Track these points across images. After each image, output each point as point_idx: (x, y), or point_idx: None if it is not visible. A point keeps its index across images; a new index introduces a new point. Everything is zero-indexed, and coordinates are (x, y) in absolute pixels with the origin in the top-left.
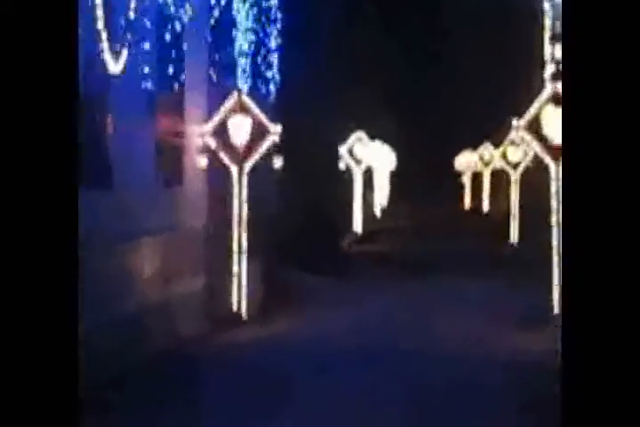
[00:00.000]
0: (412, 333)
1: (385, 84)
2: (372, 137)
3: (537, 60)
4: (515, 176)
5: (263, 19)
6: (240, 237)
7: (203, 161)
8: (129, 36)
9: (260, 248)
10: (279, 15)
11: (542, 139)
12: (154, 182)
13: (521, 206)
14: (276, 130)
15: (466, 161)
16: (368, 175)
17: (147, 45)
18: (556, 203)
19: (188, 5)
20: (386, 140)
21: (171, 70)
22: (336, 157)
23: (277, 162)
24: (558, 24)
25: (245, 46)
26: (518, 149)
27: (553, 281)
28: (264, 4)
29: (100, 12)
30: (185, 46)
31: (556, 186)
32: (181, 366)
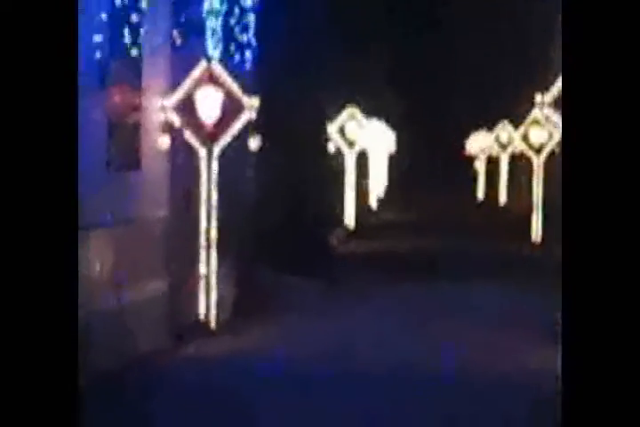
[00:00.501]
0: (410, 348)
1: (383, 50)
2: (368, 114)
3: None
4: (538, 162)
5: None
6: (209, 231)
7: (165, 141)
8: None
9: (233, 245)
10: None
11: None
12: (104, 166)
13: (545, 198)
14: (252, 105)
15: (480, 144)
16: (362, 160)
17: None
18: None
19: None
20: (383, 117)
21: (125, 32)
22: (324, 138)
23: (254, 143)
24: None
25: (216, 4)
26: (543, 130)
27: None
28: None
29: None
30: (143, 3)
31: None
32: (139, 384)
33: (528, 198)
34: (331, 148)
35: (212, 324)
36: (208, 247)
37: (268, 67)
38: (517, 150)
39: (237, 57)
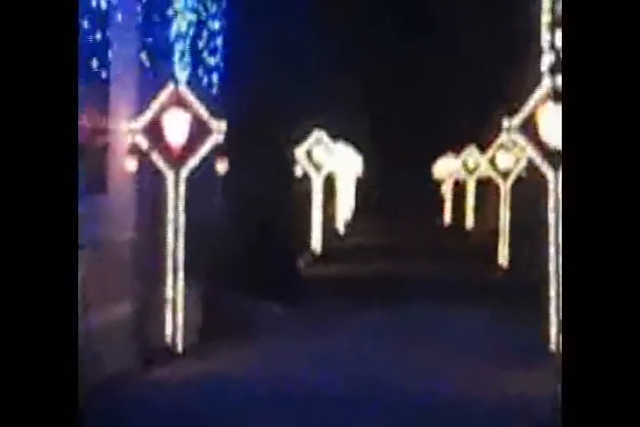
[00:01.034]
0: (379, 373)
1: (352, 74)
2: (335, 138)
3: (532, 49)
4: (504, 186)
5: None
6: (176, 254)
7: (132, 164)
8: None
9: (201, 269)
10: None
11: (538, 142)
12: None
13: (512, 222)
14: (219, 128)
15: (446, 168)
16: (329, 183)
17: None
18: (553, 218)
19: None
20: (351, 141)
21: (93, 55)
22: (291, 162)
23: (221, 166)
24: (558, 7)
25: (183, 27)
26: (509, 155)
27: (550, 311)
28: None
29: None
30: (111, 26)
31: (554, 198)
32: (103, 409)
33: (494, 223)
34: (298, 171)
35: (179, 347)
36: (175, 270)
37: (236, 90)
38: (484, 175)
39: (205, 80)
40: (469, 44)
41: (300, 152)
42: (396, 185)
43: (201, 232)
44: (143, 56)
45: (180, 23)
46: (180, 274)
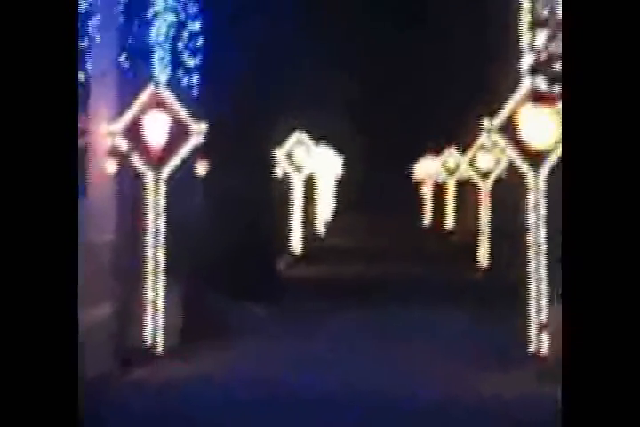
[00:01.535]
0: (360, 373)
1: (332, 76)
2: (316, 139)
3: (512, 49)
4: (485, 187)
5: None
6: (156, 256)
7: (112, 166)
8: None
9: (181, 270)
10: None
11: (518, 143)
12: None
13: (492, 223)
14: (199, 129)
15: (427, 169)
16: (310, 185)
17: None
18: (533, 219)
19: None
20: (332, 143)
21: None
22: (272, 163)
23: (201, 167)
24: (539, 6)
25: (163, 29)
26: (489, 156)
27: (530, 312)
28: None
29: None
30: (91, 27)
31: (533, 199)
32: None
33: (474, 223)
34: (278, 173)
35: (159, 349)
36: (155, 272)
37: (216, 91)
38: (464, 176)
39: (185, 81)
40: (449, 46)
41: (280, 153)
42: (376, 186)
43: (181, 234)
44: (123, 57)
45: (160, 24)
46: (161, 275)
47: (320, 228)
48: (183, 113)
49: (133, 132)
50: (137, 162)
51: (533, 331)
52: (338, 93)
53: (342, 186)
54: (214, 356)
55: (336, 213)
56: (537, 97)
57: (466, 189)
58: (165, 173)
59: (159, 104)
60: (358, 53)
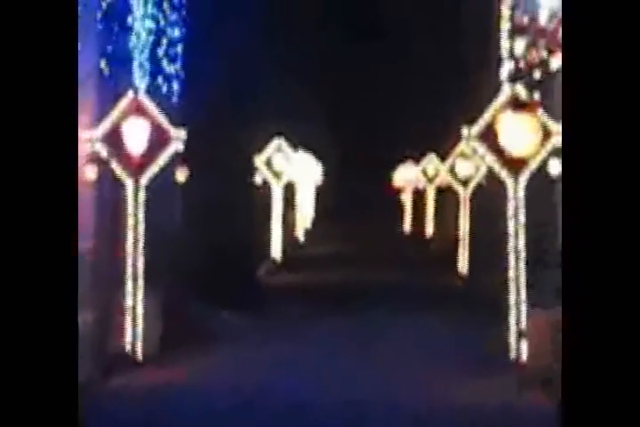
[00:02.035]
0: (340, 381)
1: (312, 82)
2: (295, 146)
3: (492, 56)
4: (464, 194)
5: (164, 3)
6: (136, 263)
7: (91, 172)
8: None
9: (160, 277)
10: None
11: (498, 150)
12: None
13: (471, 230)
14: (179, 136)
15: (406, 176)
16: (289, 191)
17: None
18: (512, 226)
19: None
20: (311, 149)
21: None
22: (251, 170)
23: (181, 174)
24: (518, 13)
25: (143, 35)
26: (469, 163)
27: (509, 320)
28: None
29: None
30: (76, 32)
31: (513, 206)
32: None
33: (454, 231)
34: (258, 179)
35: (139, 356)
36: (135, 278)
37: (196, 98)
38: (444, 183)
39: (165, 88)
40: (428, 52)
41: (259, 160)
42: (355, 193)
43: (161, 240)
44: (102, 64)
45: (140, 31)
46: (140, 282)
47: (300, 235)
48: (163, 119)
49: (113, 139)
50: (117, 168)
51: (513, 338)
52: (317, 100)
53: (322, 193)
54: (194, 363)
55: (316, 220)
56: (516, 104)
57: (445, 197)
58: (145, 179)
59: (139, 111)
60: (338, 61)
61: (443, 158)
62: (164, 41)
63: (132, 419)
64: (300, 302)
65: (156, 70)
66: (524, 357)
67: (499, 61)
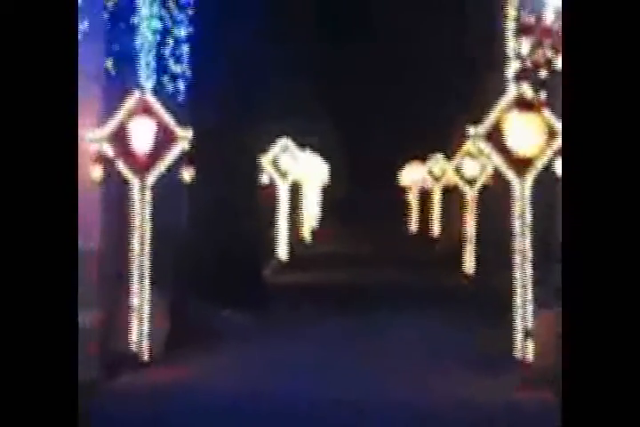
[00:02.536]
0: (347, 380)
1: (318, 82)
2: (301, 146)
3: (498, 56)
4: (470, 194)
5: (170, 2)
6: (142, 262)
7: (97, 172)
8: None
9: (167, 276)
10: None
11: (504, 150)
12: None
13: (478, 230)
14: (185, 135)
15: (413, 176)
16: (295, 191)
17: None
18: (519, 226)
19: None
20: (317, 149)
21: None
22: (257, 169)
23: (187, 174)
24: (524, 13)
25: (149, 35)
26: (475, 163)
27: (515, 320)
28: None
29: None
30: (76, 33)
31: (519, 206)
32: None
33: (460, 230)
34: (264, 179)
35: (145, 356)
36: (141, 278)
37: (202, 98)
38: (450, 182)
39: (171, 88)
40: (436, 52)
41: (266, 160)
42: (362, 192)
43: (167, 240)
44: (109, 64)
45: (146, 31)
46: (146, 282)
47: (306, 234)
48: (169, 119)
49: (119, 138)
50: (123, 168)
51: (519, 337)
52: (324, 100)
53: (328, 192)
54: (200, 362)
55: (322, 220)
56: (523, 104)
57: (452, 196)
58: (151, 179)
59: (145, 110)
60: (346, 61)
61: (449, 158)
62: (171, 40)
63: (137, 419)
64: (305, 301)
65: (162, 70)
66: (530, 356)
67: (505, 61)
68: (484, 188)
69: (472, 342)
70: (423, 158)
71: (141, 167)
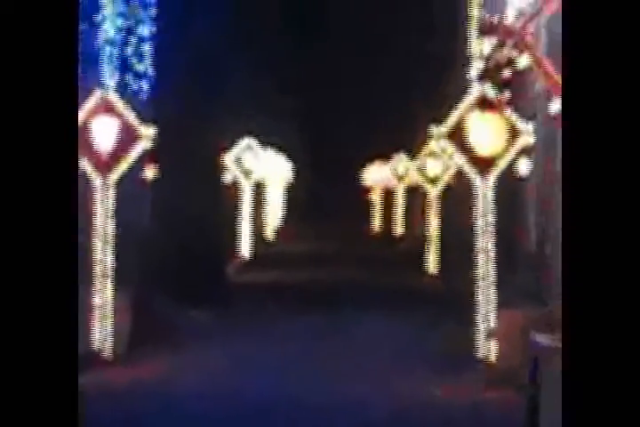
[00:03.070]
0: (307, 380)
1: (281, 80)
2: (265, 144)
3: (460, 56)
4: (433, 193)
5: (134, 1)
6: (104, 260)
7: None
8: None
9: (129, 274)
10: None
11: (466, 149)
12: None
13: (440, 229)
14: (148, 134)
15: (376, 175)
16: (259, 190)
17: None
18: (481, 225)
19: None
20: (281, 148)
21: None
22: (221, 168)
23: (149, 172)
24: (487, 13)
25: (112, 33)
26: (438, 162)
27: (477, 319)
28: None
29: None
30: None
31: (482, 204)
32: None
33: (423, 229)
34: (227, 178)
35: (108, 354)
36: (103, 277)
37: (165, 96)
38: (413, 182)
39: (134, 86)
40: (399, 53)
41: (229, 159)
42: (325, 192)
43: (130, 238)
44: None
45: (109, 29)
46: (109, 280)
47: (269, 233)
48: (132, 117)
49: (82, 137)
50: (86, 166)
51: (481, 338)
52: (287, 99)
53: (291, 191)
54: (163, 360)
55: (285, 219)
56: (485, 104)
57: (415, 195)
58: (114, 177)
59: (108, 108)
60: (308, 59)
61: (412, 157)
62: (133, 39)
63: (100, 417)
64: (268, 299)
65: (125, 68)
66: (493, 356)
67: (467, 61)
68: (447, 187)
69: (435, 341)
70: (386, 158)
71: (104, 165)
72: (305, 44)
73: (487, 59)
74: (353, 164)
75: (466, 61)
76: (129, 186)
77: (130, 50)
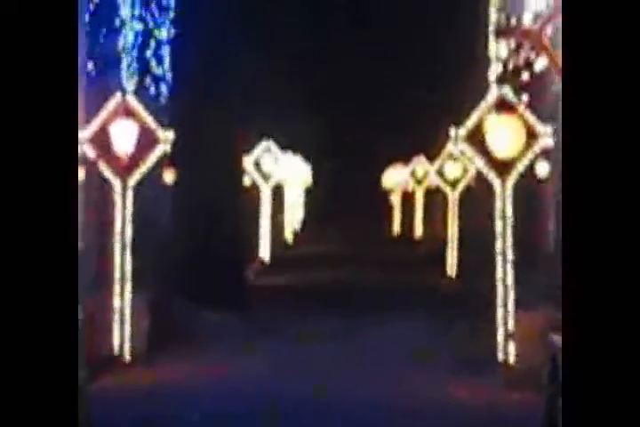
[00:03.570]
0: (327, 382)
1: (300, 84)
2: (284, 147)
3: (480, 59)
4: (453, 196)
5: (153, 5)
6: (124, 263)
7: (79, 173)
8: None
9: (149, 277)
10: (172, 0)
11: (485, 152)
12: None
13: (460, 232)
14: (166, 137)
15: (395, 178)
16: (278, 193)
17: None
18: (500, 227)
19: None
20: (299, 151)
21: None
22: (240, 171)
23: (169, 175)
24: (504, 16)
25: (131, 37)
26: (457, 165)
27: (497, 321)
28: None
29: None
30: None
31: (500, 207)
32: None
33: (443, 232)
34: (246, 181)
35: (126, 357)
36: (122, 280)
37: (184, 100)
38: (433, 184)
39: (153, 90)
40: (418, 55)
41: (248, 162)
42: (345, 194)
43: (149, 241)
44: (90, 65)
45: (128, 33)
46: (128, 283)
47: (288, 236)
48: (150, 121)
49: (101, 140)
50: (105, 170)
51: (501, 339)
52: (307, 102)
53: (310, 194)
54: (181, 363)
55: (304, 222)
56: (504, 106)
57: (434, 198)
58: (133, 180)
59: (127, 112)
60: (329, 63)
61: (431, 160)
62: (152, 42)
63: (119, 419)
64: (288, 303)
65: (144, 72)
66: (512, 358)
67: (487, 64)
68: (466, 189)
69: (454, 343)
70: (406, 160)
71: (123, 169)
72: (326, 48)
73: (505, 61)
74: (372, 166)
75: (486, 64)
76: (148, 189)
77: (149, 53)
